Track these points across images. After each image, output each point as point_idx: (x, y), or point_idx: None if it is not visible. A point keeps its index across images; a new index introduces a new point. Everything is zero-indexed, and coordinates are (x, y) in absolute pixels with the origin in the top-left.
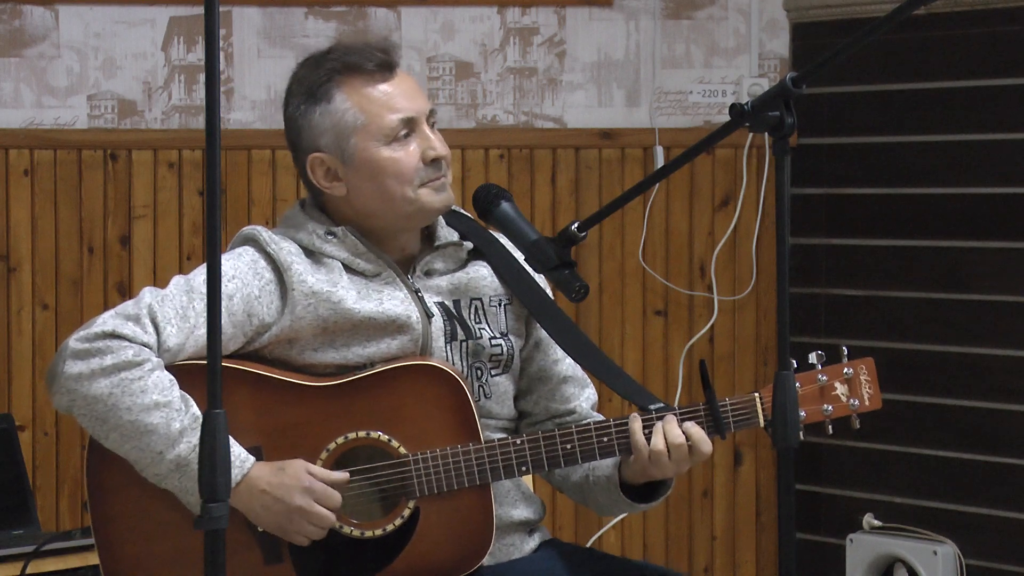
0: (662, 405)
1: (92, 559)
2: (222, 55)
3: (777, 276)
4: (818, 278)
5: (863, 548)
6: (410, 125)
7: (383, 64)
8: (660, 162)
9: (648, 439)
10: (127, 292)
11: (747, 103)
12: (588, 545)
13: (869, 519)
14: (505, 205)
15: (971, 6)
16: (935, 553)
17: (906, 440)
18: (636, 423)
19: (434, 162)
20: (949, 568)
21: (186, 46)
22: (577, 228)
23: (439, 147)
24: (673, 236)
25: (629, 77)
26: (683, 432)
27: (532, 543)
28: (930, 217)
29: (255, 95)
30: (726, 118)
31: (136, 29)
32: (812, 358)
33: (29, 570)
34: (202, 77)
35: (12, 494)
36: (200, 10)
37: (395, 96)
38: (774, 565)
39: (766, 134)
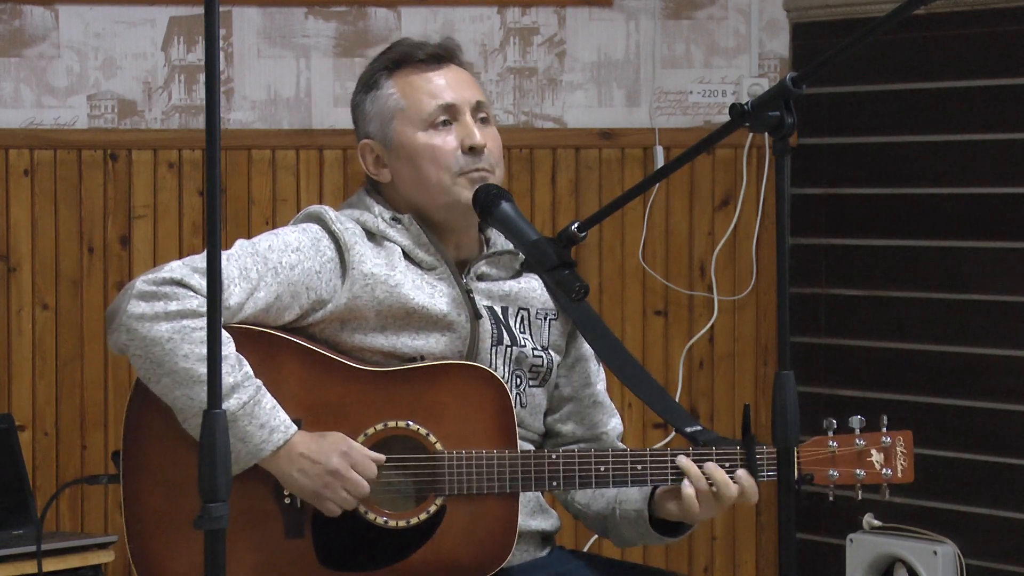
0: (699, 428)
1: (92, 559)
2: (222, 55)
3: (777, 276)
4: (818, 278)
5: (863, 548)
6: (450, 112)
7: (434, 55)
8: (660, 162)
9: (697, 485)
10: None
11: (747, 103)
12: (587, 547)
13: (869, 519)
14: (505, 205)
15: (971, 6)
16: (935, 553)
17: None
18: (692, 467)
19: (472, 151)
20: (949, 568)
21: (186, 46)
22: (577, 228)
23: (477, 136)
24: (673, 236)
25: (629, 77)
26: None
27: (543, 554)
28: (930, 217)
29: (255, 95)
30: (726, 118)
31: (136, 29)
32: (852, 422)
33: (29, 570)
34: (202, 77)
35: (12, 494)
36: (200, 10)
37: (438, 84)
38: (774, 565)
39: (766, 134)
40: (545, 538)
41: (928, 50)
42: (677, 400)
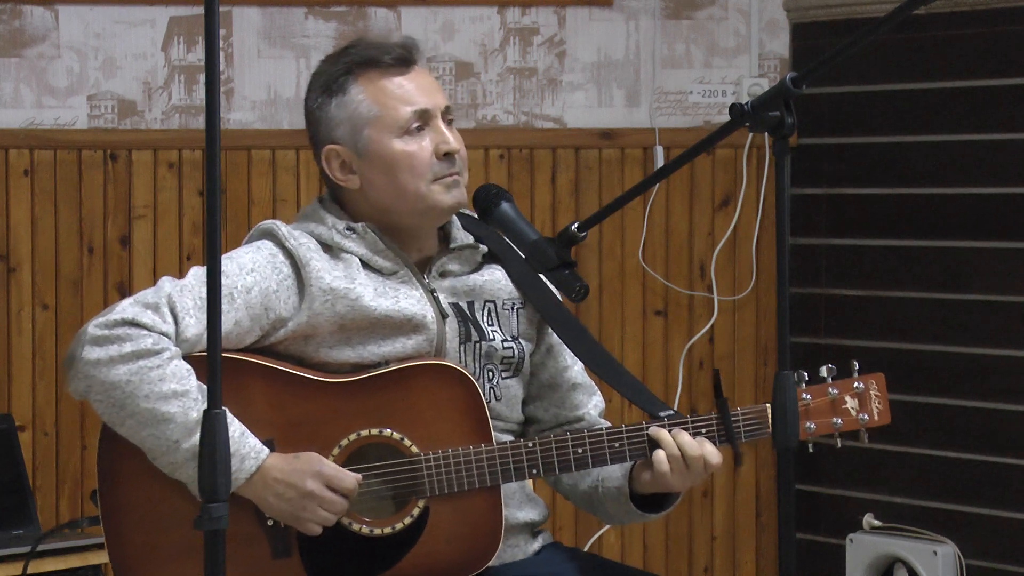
0: (672, 412)
1: (92, 559)
2: (222, 55)
3: (777, 276)
4: (818, 278)
5: (863, 548)
6: (424, 118)
7: (400, 58)
8: (660, 162)
9: (667, 451)
10: (127, 292)
11: (747, 103)
12: (588, 546)
13: (869, 519)
14: (505, 205)
15: (971, 6)
16: (935, 553)
17: (906, 440)
18: (663, 433)
19: (447, 156)
20: (949, 568)
21: (186, 46)
22: (577, 228)
23: (453, 142)
24: (673, 236)
25: (629, 77)
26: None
27: (535, 545)
28: (930, 217)
29: (255, 95)
30: (726, 118)
31: (136, 29)
32: (823, 371)
33: (29, 570)
34: (202, 77)
35: (12, 494)
36: (200, 10)
37: (410, 89)
38: (774, 565)
39: (766, 134)
40: (534, 529)
41: (928, 50)
42: (677, 401)
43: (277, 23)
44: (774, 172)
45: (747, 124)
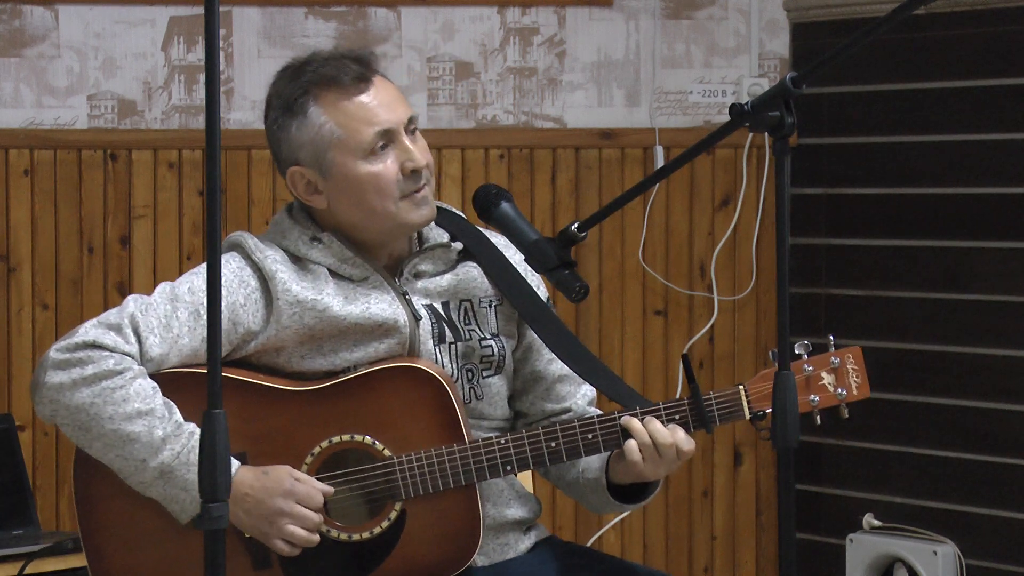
0: (652, 407)
1: None
2: (222, 55)
3: (777, 276)
4: (818, 278)
5: (863, 548)
6: (388, 137)
7: (359, 76)
8: (660, 162)
9: (639, 439)
10: (127, 292)
11: (747, 103)
12: (588, 544)
13: (869, 519)
14: (505, 205)
15: (971, 6)
16: (935, 553)
17: (906, 440)
18: (634, 422)
19: (413, 173)
20: (949, 568)
21: (186, 46)
22: (577, 228)
23: (418, 157)
24: (673, 236)
25: (629, 77)
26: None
27: (527, 542)
28: (930, 217)
29: (255, 95)
30: (726, 118)
31: (136, 29)
32: (798, 348)
33: (29, 570)
34: (202, 77)
35: (12, 494)
36: (200, 10)
37: (372, 108)
38: (774, 565)
39: (766, 134)
40: (526, 526)
41: (928, 50)
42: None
43: (277, 23)
44: (774, 172)
45: (747, 124)
